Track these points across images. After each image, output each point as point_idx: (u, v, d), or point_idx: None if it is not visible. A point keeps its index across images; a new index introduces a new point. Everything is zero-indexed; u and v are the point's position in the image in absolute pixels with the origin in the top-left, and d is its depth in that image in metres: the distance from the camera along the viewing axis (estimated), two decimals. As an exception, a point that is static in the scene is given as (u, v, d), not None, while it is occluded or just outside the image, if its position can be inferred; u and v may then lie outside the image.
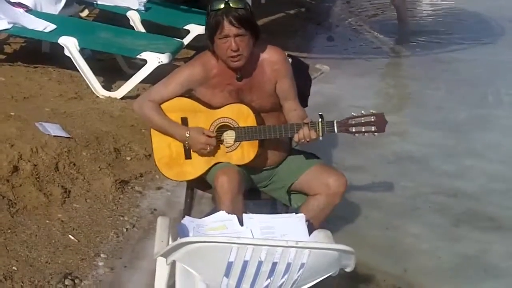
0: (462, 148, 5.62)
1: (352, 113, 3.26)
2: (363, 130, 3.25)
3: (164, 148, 3.41)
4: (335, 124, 3.25)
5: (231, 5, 3.19)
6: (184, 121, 3.37)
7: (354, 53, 8.75)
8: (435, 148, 5.60)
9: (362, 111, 3.27)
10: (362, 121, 3.24)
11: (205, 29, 3.32)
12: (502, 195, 4.79)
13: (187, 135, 3.32)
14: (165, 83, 3.42)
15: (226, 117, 3.32)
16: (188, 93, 3.39)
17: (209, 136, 3.31)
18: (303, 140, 3.23)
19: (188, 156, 3.39)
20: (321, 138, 3.25)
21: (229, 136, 3.34)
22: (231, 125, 3.32)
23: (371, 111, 3.26)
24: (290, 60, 3.52)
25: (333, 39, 9.29)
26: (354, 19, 10.07)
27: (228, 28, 3.19)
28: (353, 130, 3.25)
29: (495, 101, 6.82)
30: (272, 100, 3.40)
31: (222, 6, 3.19)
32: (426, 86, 7.28)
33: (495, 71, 7.87)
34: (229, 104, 3.33)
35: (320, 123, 3.23)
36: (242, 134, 3.31)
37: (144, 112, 3.40)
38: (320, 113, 3.26)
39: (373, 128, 3.25)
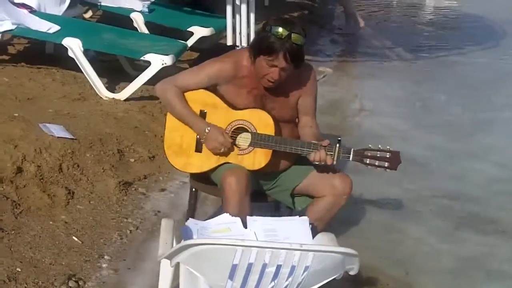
0: (464, 151, 5.63)
1: (369, 145, 3.33)
2: (376, 164, 3.32)
3: (176, 136, 3.42)
4: (351, 153, 3.30)
5: (292, 38, 3.15)
6: (203, 114, 3.37)
7: (357, 55, 8.77)
8: (437, 151, 5.61)
9: (379, 146, 3.33)
10: (378, 155, 3.31)
11: (255, 40, 3.30)
12: (504, 198, 4.80)
13: (207, 130, 3.32)
14: (193, 73, 3.42)
15: (246, 120, 3.33)
16: (212, 87, 3.39)
17: (227, 138, 3.32)
18: (317, 162, 3.26)
19: (198, 149, 3.40)
20: (335, 163, 3.30)
21: (244, 139, 3.34)
22: (249, 129, 3.33)
23: (388, 147, 3.33)
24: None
25: (336, 42, 9.31)
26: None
27: (280, 61, 3.18)
28: (367, 162, 3.31)
29: (498, 104, 6.83)
30: (292, 112, 3.43)
31: (285, 35, 3.14)
32: (428, 89, 7.29)
33: (498, 74, 7.88)
34: (251, 108, 3.34)
35: (337, 148, 3.27)
36: (259, 141, 3.32)
37: (167, 97, 3.40)
38: (338, 138, 3.32)
39: (386, 164, 3.32)
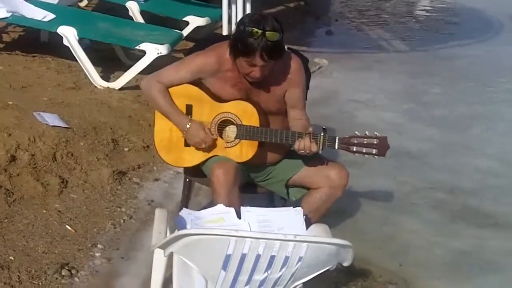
0: (460, 144, 5.63)
1: (356, 132, 3.26)
2: (363, 151, 3.24)
3: (166, 131, 3.40)
4: (336, 141, 3.24)
5: (267, 36, 3.08)
6: (189, 108, 3.35)
7: (353, 47, 8.75)
8: (432, 144, 5.61)
9: (366, 132, 3.26)
10: (364, 142, 3.24)
11: (232, 42, 3.21)
12: (498, 192, 4.80)
13: (188, 126, 3.31)
14: (177, 68, 3.39)
15: (231, 113, 3.31)
16: (197, 81, 3.37)
17: (208, 133, 3.30)
18: (302, 151, 3.23)
19: (187, 143, 3.39)
20: (320, 151, 3.26)
21: (230, 131, 3.33)
22: (234, 121, 3.31)
23: (375, 133, 3.26)
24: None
25: (332, 33, 9.30)
26: (353, 14, 10.06)
27: (258, 60, 3.13)
28: (354, 149, 3.24)
29: (494, 98, 6.83)
30: (279, 105, 3.39)
31: (258, 33, 3.08)
32: (424, 82, 7.29)
33: (494, 68, 7.89)
34: (236, 100, 3.31)
35: (321, 137, 3.23)
36: (244, 133, 3.30)
37: (151, 93, 3.38)
38: (323, 127, 3.27)
39: (374, 151, 3.24)
